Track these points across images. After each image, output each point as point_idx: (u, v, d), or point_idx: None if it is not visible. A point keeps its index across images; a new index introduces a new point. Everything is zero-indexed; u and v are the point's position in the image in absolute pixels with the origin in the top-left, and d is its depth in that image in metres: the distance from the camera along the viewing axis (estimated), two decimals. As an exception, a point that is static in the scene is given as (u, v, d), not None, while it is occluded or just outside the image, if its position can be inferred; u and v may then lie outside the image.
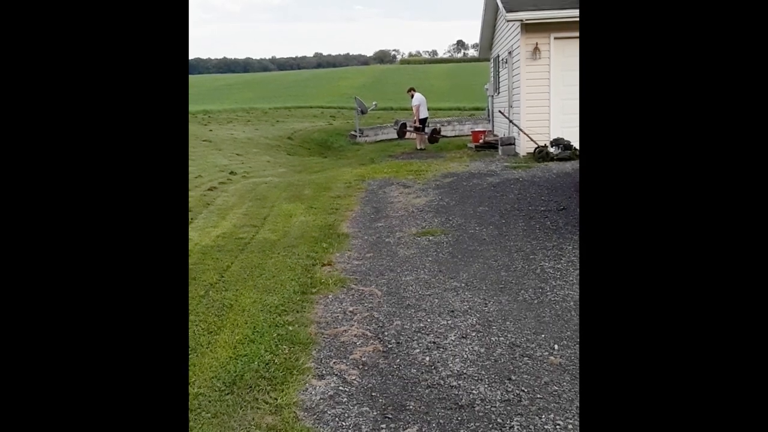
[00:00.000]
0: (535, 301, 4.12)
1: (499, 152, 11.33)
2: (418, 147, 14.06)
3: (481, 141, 12.94)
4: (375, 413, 2.84)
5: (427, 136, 14.18)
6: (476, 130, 14.85)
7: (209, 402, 2.96)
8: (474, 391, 2.99)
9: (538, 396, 2.92)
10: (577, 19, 1.80)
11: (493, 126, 15.03)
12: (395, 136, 16.94)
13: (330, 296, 4.39)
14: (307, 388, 3.08)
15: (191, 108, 21.89)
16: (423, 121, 14.26)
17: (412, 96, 14.53)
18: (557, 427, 2.66)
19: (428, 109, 14.93)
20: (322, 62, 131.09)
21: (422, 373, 3.21)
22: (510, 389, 2.99)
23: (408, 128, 14.88)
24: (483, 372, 3.18)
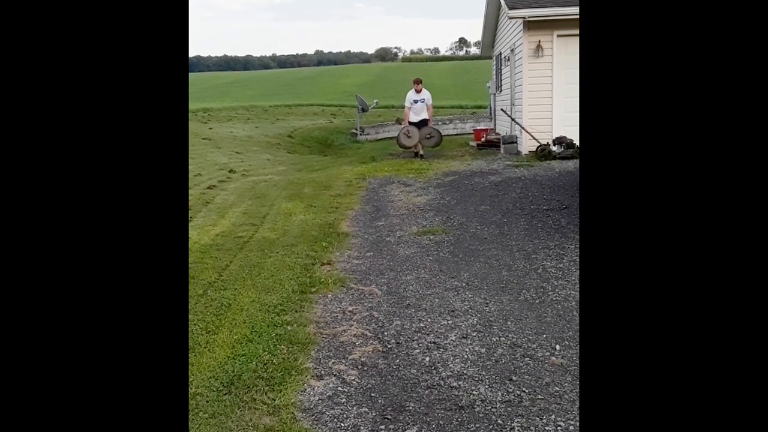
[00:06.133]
0: (537, 301, 4.09)
1: (501, 151, 11.29)
2: (407, 146, 13.51)
3: (482, 139, 12.87)
4: (374, 414, 2.81)
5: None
6: (478, 128, 14.78)
7: (207, 402, 2.93)
8: (474, 392, 2.95)
9: (540, 397, 2.88)
10: (580, 15, 1.77)
11: (495, 124, 14.99)
12: (396, 134, 16.38)
13: (329, 296, 4.35)
14: (306, 389, 3.05)
15: (191, 106, 21.90)
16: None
17: (419, 90, 11.64)
18: (558, 428, 2.62)
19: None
20: (323, 60, 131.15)
21: (422, 373, 3.17)
22: (511, 390, 2.96)
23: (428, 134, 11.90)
24: (483, 372, 3.15)
